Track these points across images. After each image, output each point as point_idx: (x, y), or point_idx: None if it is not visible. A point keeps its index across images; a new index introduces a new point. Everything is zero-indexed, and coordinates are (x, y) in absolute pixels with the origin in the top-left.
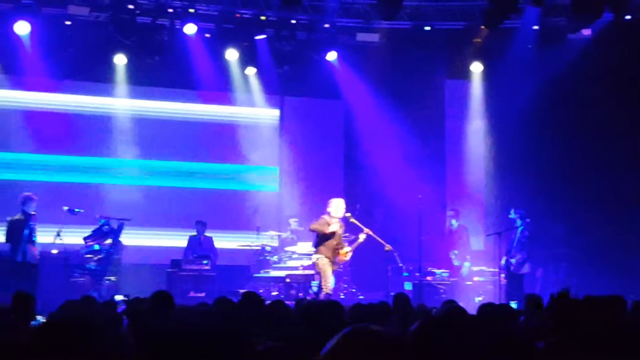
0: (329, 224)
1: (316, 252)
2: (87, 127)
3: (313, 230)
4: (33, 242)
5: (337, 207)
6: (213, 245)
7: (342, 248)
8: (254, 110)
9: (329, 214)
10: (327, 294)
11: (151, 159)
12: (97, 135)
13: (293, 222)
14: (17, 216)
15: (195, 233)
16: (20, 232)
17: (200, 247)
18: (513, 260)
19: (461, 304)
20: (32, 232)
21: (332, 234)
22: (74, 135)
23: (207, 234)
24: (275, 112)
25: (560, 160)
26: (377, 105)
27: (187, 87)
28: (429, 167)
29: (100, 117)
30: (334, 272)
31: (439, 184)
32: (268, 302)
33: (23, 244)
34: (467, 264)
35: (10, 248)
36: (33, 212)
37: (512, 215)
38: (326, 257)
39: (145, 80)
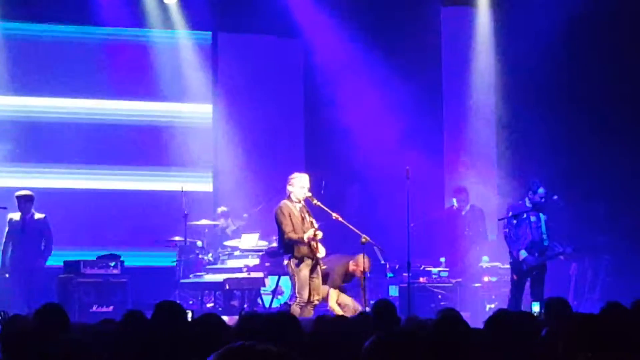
0: (291, 215)
1: (285, 253)
2: None
3: (287, 237)
4: None
5: (301, 184)
6: (48, 228)
7: (313, 232)
8: (175, 51)
9: (288, 196)
10: (297, 305)
11: None
12: None
13: (221, 211)
14: None
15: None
16: None
17: (22, 233)
18: (523, 252)
19: (466, 314)
20: None
21: (300, 220)
22: None
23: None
24: (205, 52)
25: (595, 120)
26: (348, 44)
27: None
28: (421, 128)
29: None
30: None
31: (434, 152)
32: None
33: None
34: (485, 258)
35: None
36: None
37: (539, 191)
38: (299, 253)
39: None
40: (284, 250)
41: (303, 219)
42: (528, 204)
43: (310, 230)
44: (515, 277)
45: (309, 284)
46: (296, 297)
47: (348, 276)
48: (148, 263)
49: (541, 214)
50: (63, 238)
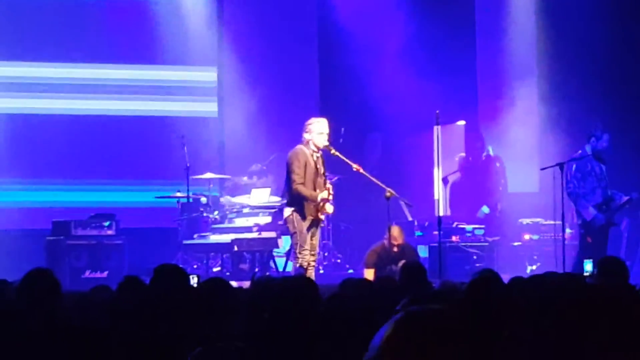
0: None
1: (288, 204)
2: None
3: (296, 188)
4: None
5: (319, 130)
6: None
7: (327, 194)
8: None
9: (306, 142)
10: (300, 266)
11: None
12: None
13: (256, 168)
14: None
15: None
16: None
17: None
18: (591, 209)
19: (505, 276)
20: None
21: (314, 172)
22: None
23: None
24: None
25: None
26: None
27: None
28: (451, 66)
29: None
30: (319, 229)
31: (466, 93)
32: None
33: None
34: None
35: None
36: None
37: (604, 137)
38: (305, 210)
39: None
40: (289, 201)
41: (317, 171)
42: (589, 152)
43: (324, 192)
44: (589, 239)
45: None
46: (297, 256)
47: (383, 255)
48: (146, 223)
49: (602, 163)
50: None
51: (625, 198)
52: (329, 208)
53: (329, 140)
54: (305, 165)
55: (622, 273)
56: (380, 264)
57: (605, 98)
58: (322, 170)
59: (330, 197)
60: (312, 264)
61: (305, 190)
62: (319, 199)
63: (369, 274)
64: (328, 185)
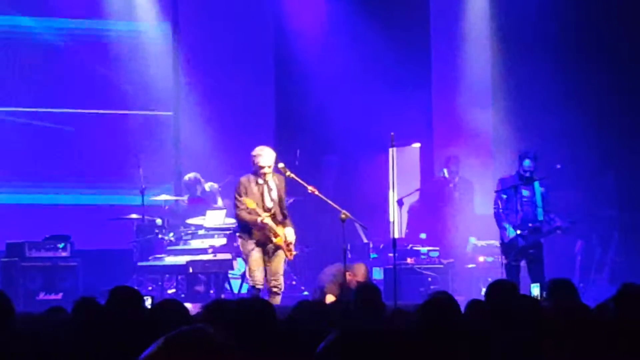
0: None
1: (239, 232)
2: None
3: (238, 215)
4: None
5: (260, 163)
6: None
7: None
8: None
9: (255, 170)
10: (253, 287)
11: None
12: None
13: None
14: None
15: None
16: None
17: None
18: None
19: (460, 298)
20: None
21: (259, 198)
22: None
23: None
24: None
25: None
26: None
27: None
28: (406, 91)
29: None
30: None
31: (421, 114)
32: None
33: None
34: (472, 239)
35: None
36: None
37: (524, 163)
38: (252, 234)
39: None
40: (238, 228)
41: (262, 197)
42: (516, 174)
43: (266, 216)
44: (504, 259)
45: (264, 269)
46: (248, 278)
47: (344, 288)
48: (101, 244)
49: (537, 186)
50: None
51: (557, 224)
52: (289, 234)
53: (283, 163)
54: (247, 193)
55: (572, 294)
56: (341, 296)
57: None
58: (271, 196)
59: (269, 222)
60: (275, 289)
61: (245, 215)
62: (258, 220)
63: (330, 299)
64: (271, 209)
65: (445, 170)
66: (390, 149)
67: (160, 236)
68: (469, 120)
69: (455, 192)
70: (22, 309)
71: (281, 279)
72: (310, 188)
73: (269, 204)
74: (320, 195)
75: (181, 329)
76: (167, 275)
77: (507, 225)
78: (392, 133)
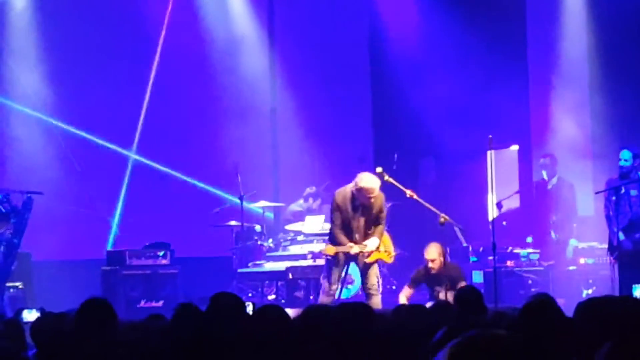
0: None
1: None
2: None
3: (332, 230)
4: None
5: (361, 192)
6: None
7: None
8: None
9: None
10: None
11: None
12: None
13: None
14: None
15: None
16: None
17: None
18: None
19: (561, 300)
20: None
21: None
22: None
23: None
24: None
25: None
26: (421, 5)
27: None
28: (502, 88)
29: None
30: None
31: (518, 116)
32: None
33: None
34: (572, 241)
35: None
36: None
37: (622, 155)
38: (337, 241)
39: None
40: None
41: (354, 215)
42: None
43: (356, 248)
44: (613, 260)
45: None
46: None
47: (427, 278)
48: (200, 252)
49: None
50: None
51: None
52: (371, 244)
53: (381, 168)
54: (339, 209)
55: None
56: (425, 283)
57: None
58: (362, 214)
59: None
60: (370, 291)
61: (338, 236)
62: (346, 248)
63: (405, 291)
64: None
65: (544, 172)
66: (489, 152)
67: (259, 242)
68: (566, 121)
69: (555, 194)
70: (123, 316)
71: (373, 280)
72: (408, 192)
73: (361, 227)
74: (418, 199)
75: (469, 334)
76: (266, 282)
77: (614, 229)
78: (490, 136)
